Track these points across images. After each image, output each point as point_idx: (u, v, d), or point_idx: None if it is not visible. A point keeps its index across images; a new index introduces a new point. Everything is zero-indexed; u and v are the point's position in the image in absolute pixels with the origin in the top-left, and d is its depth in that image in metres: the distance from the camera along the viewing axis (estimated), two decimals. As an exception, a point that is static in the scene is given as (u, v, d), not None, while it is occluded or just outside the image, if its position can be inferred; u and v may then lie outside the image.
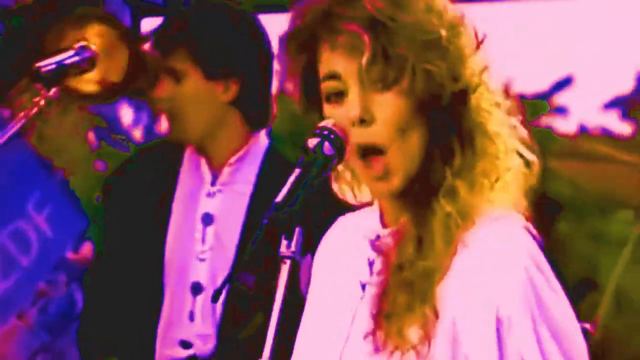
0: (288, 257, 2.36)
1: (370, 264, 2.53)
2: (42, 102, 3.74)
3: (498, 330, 2.37)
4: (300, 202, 2.37)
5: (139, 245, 4.08)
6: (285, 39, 2.49)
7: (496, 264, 2.40)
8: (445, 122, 2.44)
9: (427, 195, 2.44)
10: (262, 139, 4.16)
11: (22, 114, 3.84)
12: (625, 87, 5.95)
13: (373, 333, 2.42)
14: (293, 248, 2.37)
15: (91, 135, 5.31)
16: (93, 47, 3.91)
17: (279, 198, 2.37)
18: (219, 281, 3.70)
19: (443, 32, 2.41)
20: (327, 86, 2.45)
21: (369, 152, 2.43)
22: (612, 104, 5.98)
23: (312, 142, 2.44)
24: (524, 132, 2.50)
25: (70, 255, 5.12)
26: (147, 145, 4.35)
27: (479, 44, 2.48)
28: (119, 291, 4.08)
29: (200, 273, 3.98)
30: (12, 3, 5.30)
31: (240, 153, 4.10)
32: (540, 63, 5.85)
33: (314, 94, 2.49)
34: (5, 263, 5.26)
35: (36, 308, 5.34)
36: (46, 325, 5.34)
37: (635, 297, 5.93)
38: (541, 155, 2.52)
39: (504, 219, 2.43)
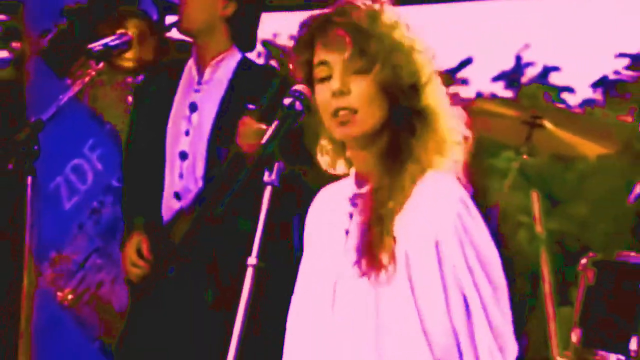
0: (269, 184, 2.36)
1: (350, 215, 2.48)
2: (93, 73, 3.74)
3: (437, 250, 2.35)
4: (278, 143, 2.38)
5: (152, 129, 4.09)
6: (295, 42, 2.50)
7: (435, 204, 2.38)
8: (404, 104, 2.42)
9: (395, 158, 2.43)
10: (237, 52, 4.11)
11: (79, 82, 3.84)
12: (508, 65, 5.93)
13: (358, 262, 2.39)
14: (273, 177, 2.36)
15: (130, 98, 5.23)
16: (130, 33, 3.90)
17: (263, 140, 2.37)
18: (198, 149, 3.98)
19: (405, 41, 2.41)
20: (318, 70, 2.42)
21: (342, 112, 2.41)
22: (498, 78, 5.96)
23: (287, 100, 2.43)
24: (458, 112, 2.49)
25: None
26: (161, 63, 4.34)
27: (428, 46, 2.47)
28: (141, 163, 4.13)
29: (185, 144, 4.00)
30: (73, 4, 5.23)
31: (219, 57, 4.05)
32: (449, 48, 5.83)
33: (309, 79, 2.46)
34: (69, 189, 5.23)
35: (92, 221, 5.31)
36: (99, 234, 5.32)
37: (513, 213, 5.84)
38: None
39: (444, 174, 2.42)
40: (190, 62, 4.11)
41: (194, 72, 4.08)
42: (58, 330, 4.98)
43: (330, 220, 2.53)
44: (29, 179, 3.54)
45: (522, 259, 5.02)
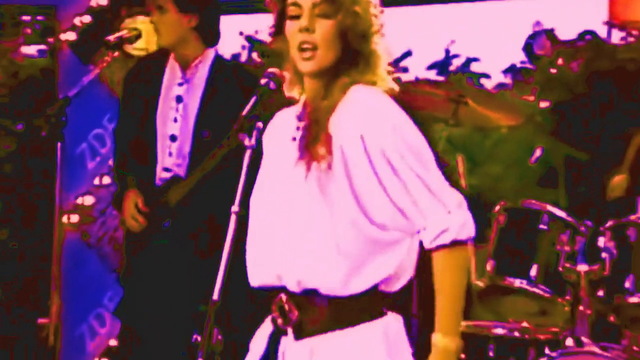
0: (249, 147, 2.30)
1: (297, 127, 2.40)
2: (110, 60, 3.72)
3: (363, 141, 2.29)
4: (256, 115, 2.32)
5: (141, 112, 4.03)
6: None
7: (361, 104, 2.33)
8: (356, 47, 2.36)
9: (335, 79, 2.37)
10: (211, 52, 4.06)
11: (99, 67, 3.82)
12: (439, 57, 5.87)
13: (302, 158, 2.32)
14: (252, 142, 2.30)
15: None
16: (139, 28, 3.87)
17: (244, 112, 2.32)
18: (185, 132, 3.95)
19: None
20: (290, 10, 2.35)
21: (305, 46, 2.35)
22: (431, 67, 5.89)
23: (263, 81, 2.37)
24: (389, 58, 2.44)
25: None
26: (147, 55, 4.30)
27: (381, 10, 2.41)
28: (132, 139, 4.06)
29: (175, 129, 3.96)
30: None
31: (198, 60, 4.00)
32: (396, 43, 5.79)
33: (282, 14, 2.37)
34: (91, 152, 5.17)
35: (110, 177, 5.26)
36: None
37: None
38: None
39: (370, 86, 2.38)
40: (172, 61, 4.04)
41: (177, 70, 4.03)
42: (83, 264, 4.95)
43: (281, 133, 2.45)
44: (59, 144, 3.51)
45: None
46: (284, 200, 2.36)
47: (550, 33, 5.61)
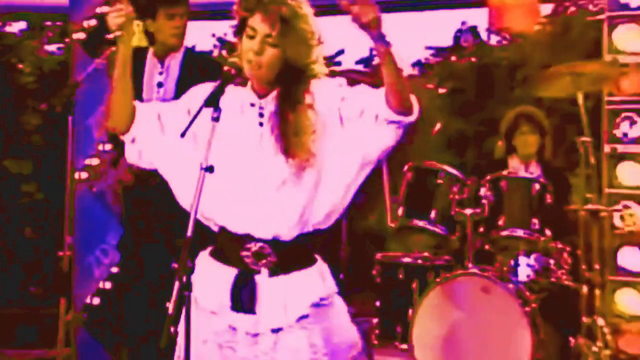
0: (214, 120, 2.16)
1: (261, 114, 2.27)
2: (109, 53, 3.60)
3: (340, 113, 2.22)
4: (219, 95, 2.19)
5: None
6: (242, 2, 2.26)
7: (326, 86, 2.25)
8: (294, 65, 2.23)
9: (290, 84, 2.25)
10: (182, 47, 3.85)
11: (101, 58, 3.70)
12: (365, 54, 5.82)
13: (282, 153, 2.20)
14: (216, 115, 2.18)
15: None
16: (133, 29, 3.71)
17: (211, 91, 2.19)
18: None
19: (308, 35, 2.22)
20: (248, 31, 2.21)
21: (253, 63, 2.22)
22: (359, 62, 5.83)
23: (226, 68, 2.24)
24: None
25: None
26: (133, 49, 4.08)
27: (319, 40, 2.27)
28: None
29: None
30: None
31: (171, 55, 3.81)
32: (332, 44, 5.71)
33: (242, 27, 2.24)
34: (97, 125, 5.03)
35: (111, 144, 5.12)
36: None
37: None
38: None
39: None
40: (151, 54, 3.85)
41: (157, 62, 3.84)
42: (90, 211, 4.87)
43: (234, 104, 2.29)
44: (70, 118, 3.42)
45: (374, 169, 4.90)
46: (255, 165, 2.23)
47: (474, 30, 5.59)
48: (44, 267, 5.48)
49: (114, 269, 4.71)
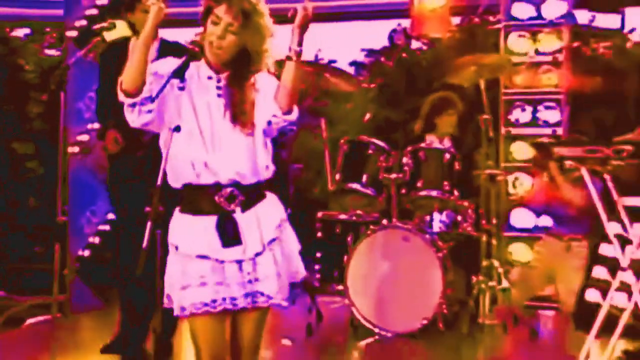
0: (181, 89, 2.10)
1: (218, 88, 2.16)
2: (94, 42, 3.47)
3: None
4: (185, 69, 2.10)
5: (114, 78, 3.32)
6: None
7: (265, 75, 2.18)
8: (251, 56, 2.14)
9: (242, 69, 2.16)
10: (158, 38, 3.51)
11: (87, 47, 3.53)
12: (311, 58, 5.67)
13: (235, 124, 2.13)
14: (183, 84, 2.10)
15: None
16: (115, 23, 3.54)
17: (178, 65, 2.09)
18: None
19: (264, 28, 2.13)
20: (212, 17, 2.11)
21: (214, 46, 2.12)
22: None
23: (190, 47, 2.19)
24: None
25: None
26: (115, 40, 3.79)
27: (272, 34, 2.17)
28: (110, 95, 3.45)
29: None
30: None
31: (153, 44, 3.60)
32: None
33: (207, 13, 2.14)
34: (87, 107, 4.79)
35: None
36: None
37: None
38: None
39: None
40: (132, 43, 3.56)
41: None
42: (82, 179, 4.75)
43: (200, 85, 2.18)
44: (62, 95, 3.30)
45: (319, 149, 4.79)
46: (218, 127, 2.14)
47: (405, 30, 5.56)
48: (48, 228, 5.38)
49: (101, 227, 4.61)
